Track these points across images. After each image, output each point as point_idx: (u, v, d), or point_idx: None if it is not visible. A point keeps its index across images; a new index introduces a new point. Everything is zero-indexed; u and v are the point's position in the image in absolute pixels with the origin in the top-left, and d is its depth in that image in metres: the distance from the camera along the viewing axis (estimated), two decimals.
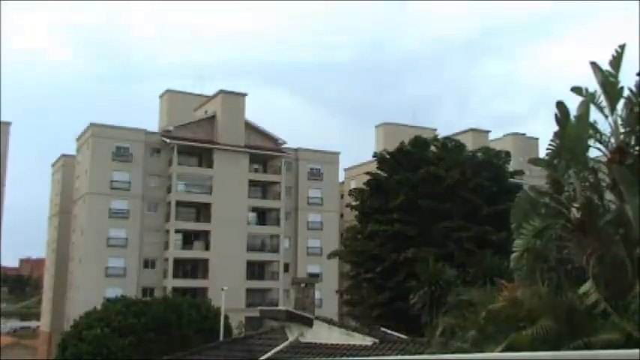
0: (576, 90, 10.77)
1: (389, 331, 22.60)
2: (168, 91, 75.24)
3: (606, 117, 10.63)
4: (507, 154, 48.77)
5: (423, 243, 40.50)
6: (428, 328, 18.41)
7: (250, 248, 67.35)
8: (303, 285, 20.73)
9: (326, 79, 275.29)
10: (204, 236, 65.91)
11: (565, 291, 9.74)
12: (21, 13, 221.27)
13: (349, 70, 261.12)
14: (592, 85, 10.81)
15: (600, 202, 10.71)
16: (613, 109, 10.53)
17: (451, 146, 47.23)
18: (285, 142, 72.54)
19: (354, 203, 50.43)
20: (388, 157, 46.73)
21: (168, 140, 65.26)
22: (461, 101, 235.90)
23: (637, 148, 10.56)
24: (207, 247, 65.32)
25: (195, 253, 65.46)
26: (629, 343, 8.06)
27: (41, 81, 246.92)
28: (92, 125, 64.89)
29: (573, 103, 10.79)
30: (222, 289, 36.60)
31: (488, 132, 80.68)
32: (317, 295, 24.84)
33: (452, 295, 13.97)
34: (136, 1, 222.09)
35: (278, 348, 18.35)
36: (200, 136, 67.41)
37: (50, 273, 78.34)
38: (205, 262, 64.92)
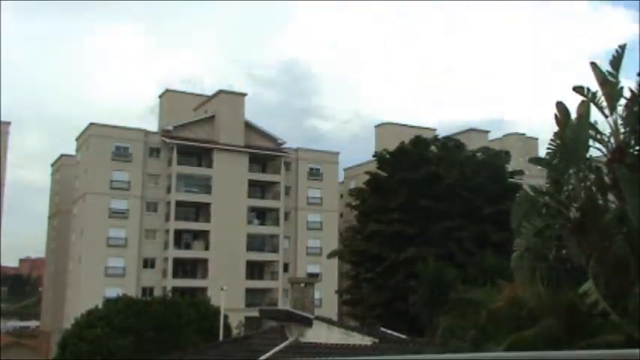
0: (577, 89, 10.77)
1: (389, 331, 22.61)
2: (168, 91, 75.20)
3: (606, 117, 10.64)
4: (507, 154, 48.80)
5: (423, 243, 40.53)
6: (428, 328, 18.44)
7: (250, 248, 67.33)
8: (302, 285, 20.74)
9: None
10: (203, 236, 65.91)
11: (565, 291, 9.74)
12: (22, 11, 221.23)
13: None
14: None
15: (600, 202, 10.71)
16: (613, 109, 10.53)
17: (451, 146, 47.25)
18: (284, 142, 72.56)
19: (354, 203, 50.45)
20: (388, 156, 46.73)
21: (167, 140, 65.23)
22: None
23: (637, 147, 10.57)
24: (206, 247, 65.31)
25: (195, 252, 65.47)
26: (629, 342, 8.06)
27: (41, 80, 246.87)
28: (92, 125, 64.87)
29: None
30: (222, 289, 36.58)
31: (488, 132, 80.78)
32: (317, 295, 24.87)
33: (452, 295, 13.98)
34: (138, 1, 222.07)
35: (278, 348, 18.33)
36: (200, 136, 67.41)
37: (50, 273, 78.35)
38: (205, 261, 64.93)
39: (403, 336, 21.49)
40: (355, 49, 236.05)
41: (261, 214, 70.18)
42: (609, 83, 10.48)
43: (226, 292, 36.82)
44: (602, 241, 10.07)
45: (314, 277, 59.61)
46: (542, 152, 12.17)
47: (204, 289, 59.97)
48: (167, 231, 64.24)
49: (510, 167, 49.40)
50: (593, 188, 10.86)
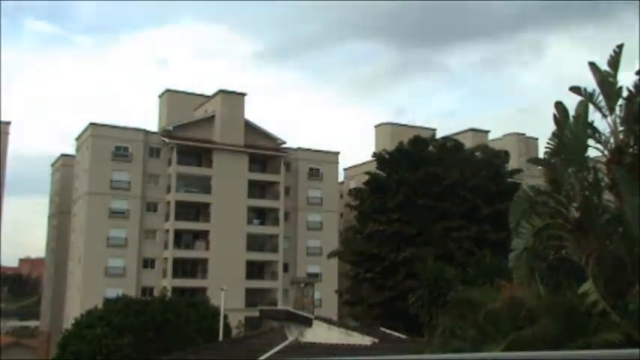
0: (575, 90, 10.78)
1: (389, 331, 22.62)
2: (168, 91, 75.12)
3: (605, 117, 10.65)
4: (506, 153, 48.80)
5: (423, 242, 40.58)
6: (427, 328, 18.44)
7: (250, 248, 67.31)
8: (302, 285, 20.76)
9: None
10: (203, 236, 65.92)
11: (564, 291, 9.74)
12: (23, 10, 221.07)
13: None
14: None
15: (599, 202, 10.72)
16: (612, 108, 10.54)
17: (450, 146, 47.26)
18: (284, 142, 72.54)
19: (353, 203, 50.45)
20: (387, 156, 46.73)
21: (167, 140, 65.23)
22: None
23: (636, 147, 10.58)
24: (206, 247, 65.31)
25: (195, 252, 65.47)
26: (628, 342, 8.07)
27: (41, 79, 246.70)
28: (92, 125, 64.87)
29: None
30: (222, 289, 36.54)
31: (488, 132, 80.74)
32: (317, 295, 24.85)
33: (451, 295, 13.99)
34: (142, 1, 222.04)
35: (278, 348, 18.35)
36: (200, 136, 67.38)
37: (49, 273, 78.36)
38: (205, 261, 64.92)
39: (403, 336, 21.52)
40: None
41: (261, 214, 70.16)
42: (608, 83, 10.49)
43: (226, 292, 36.75)
44: (601, 241, 10.09)
45: (314, 277, 59.66)
46: (542, 152, 12.17)
47: (204, 289, 59.96)
48: (167, 231, 64.24)
49: (509, 167, 49.42)
50: (593, 188, 10.87)
